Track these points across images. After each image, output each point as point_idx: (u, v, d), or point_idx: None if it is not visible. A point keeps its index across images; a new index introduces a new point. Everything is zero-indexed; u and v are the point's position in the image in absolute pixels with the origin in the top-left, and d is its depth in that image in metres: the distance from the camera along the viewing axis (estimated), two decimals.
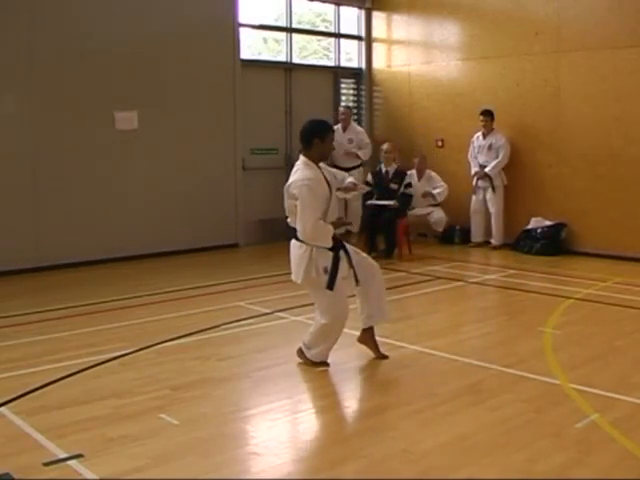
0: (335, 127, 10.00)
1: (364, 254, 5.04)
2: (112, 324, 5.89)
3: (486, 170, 9.53)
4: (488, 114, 9.52)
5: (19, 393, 4.30)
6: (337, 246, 4.72)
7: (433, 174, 9.94)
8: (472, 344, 5.42)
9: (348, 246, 4.86)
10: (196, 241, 9.35)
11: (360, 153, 10.23)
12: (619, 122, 8.68)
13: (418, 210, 9.74)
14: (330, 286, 4.61)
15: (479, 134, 9.64)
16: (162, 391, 4.37)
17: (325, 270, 4.62)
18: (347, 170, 9.82)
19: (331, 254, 4.65)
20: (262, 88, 10.16)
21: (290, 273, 4.82)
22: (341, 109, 10.46)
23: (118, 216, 8.68)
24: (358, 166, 10.23)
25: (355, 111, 11.36)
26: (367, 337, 5.03)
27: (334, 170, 5.09)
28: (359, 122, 11.35)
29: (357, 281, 4.81)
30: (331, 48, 11.22)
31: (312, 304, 6.49)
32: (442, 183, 9.81)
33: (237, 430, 3.89)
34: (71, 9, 8.26)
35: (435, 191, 9.77)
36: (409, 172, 9.77)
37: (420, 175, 9.92)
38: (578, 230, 9.13)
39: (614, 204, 8.79)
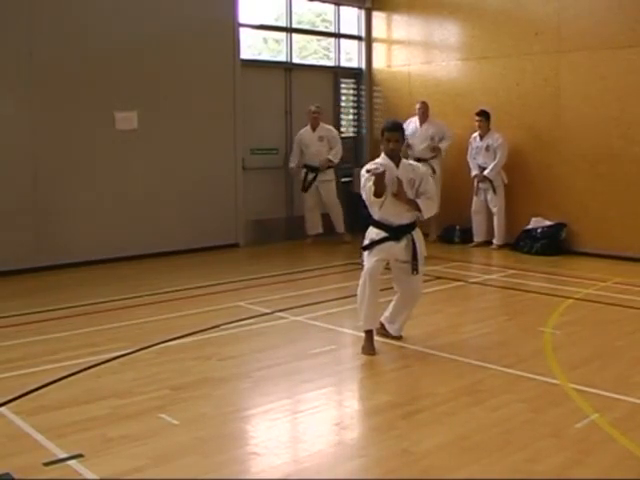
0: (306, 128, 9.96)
1: (419, 280, 5.28)
2: (112, 324, 5.89)
3: (485, 173, 9.49)
4: (483, 114, 9.50)
5: (19, 393, 4.30)
6: (394, 233, 5.08)
7: (439, 121, 9.94)
8: (472, 344, 5.42)
9: (419, 258, 5.12)
10: (196, 241, 9.34)
11: (332, 154, 9.82)
12: (619, 122, 8.68)
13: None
14: (363, 247, 5.19)
15: (476, 135, 9.61)
16: (162, 391, 4.38)
17: (371, 239, 5.15)
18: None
19: (382, 233, 5.08)
20: (262, 88, 10.15)
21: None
22: (312, 108, 9.89)
23: (118, 216, 8.67)
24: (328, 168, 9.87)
25: (355, 111, 11.38)
26: (379, 331, 5.41)
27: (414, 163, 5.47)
28: (359, 122, 11.37)
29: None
30: (331, 48, 11.22)
31: (312, 304, 6.55)
32: (449, 134, 9.84)
33: (237, 430, 3.89)
34: (71, 9, 8.26)
35: (442, 145, 9.83)
36: (408, 120, 9.75)
37: (423, 121, 9.93)
38: (578, 230, 9.12)
39: (614, 204, 8.79)
